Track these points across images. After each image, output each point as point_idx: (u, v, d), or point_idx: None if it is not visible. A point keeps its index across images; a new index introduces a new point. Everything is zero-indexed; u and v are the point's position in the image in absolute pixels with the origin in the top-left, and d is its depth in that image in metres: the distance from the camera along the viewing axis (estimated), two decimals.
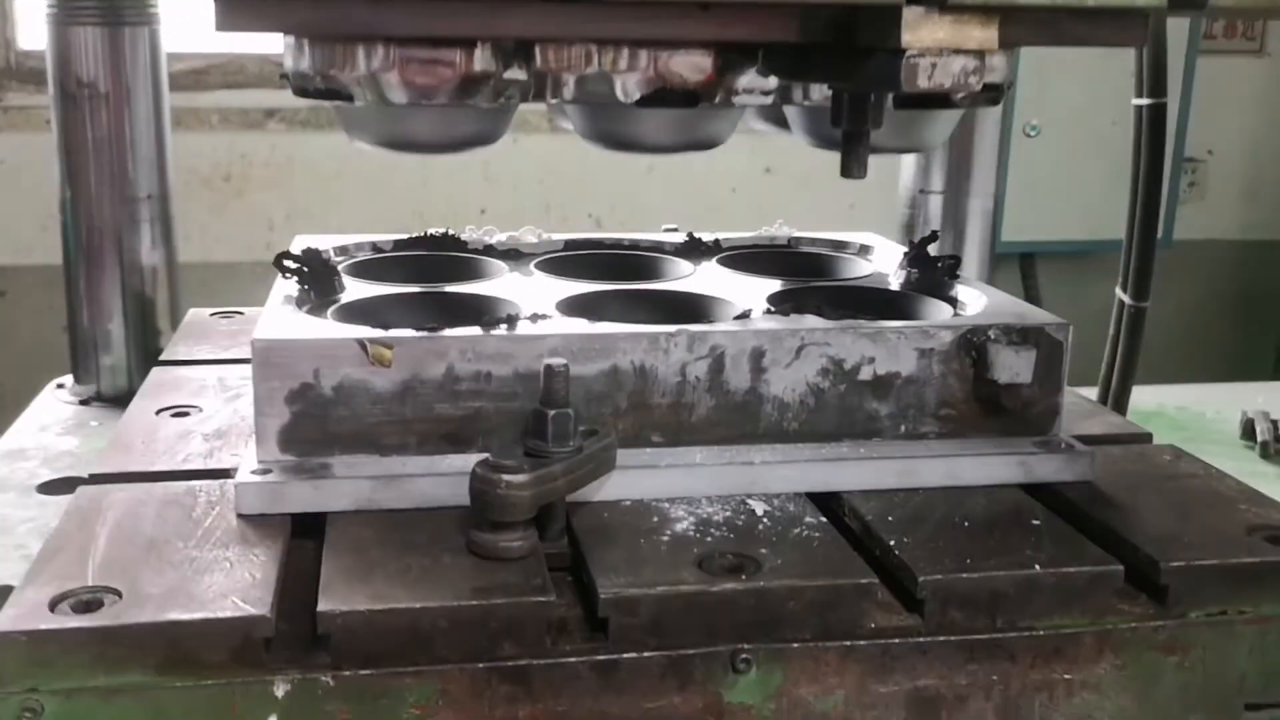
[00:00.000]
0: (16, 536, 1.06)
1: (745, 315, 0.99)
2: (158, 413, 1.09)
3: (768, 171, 3.06)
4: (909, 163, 1.54)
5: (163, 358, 1.26)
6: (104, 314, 1.38)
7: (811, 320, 0.98)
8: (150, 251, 1.39)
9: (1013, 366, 0.95)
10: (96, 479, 0.95)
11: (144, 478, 0.95)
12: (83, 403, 1.40)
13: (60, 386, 1.44)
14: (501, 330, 0.94)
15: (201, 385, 1.16)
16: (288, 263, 1.05)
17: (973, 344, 0.97)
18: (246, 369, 1.19)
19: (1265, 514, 0.93)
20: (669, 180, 2.96)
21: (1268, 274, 3.45)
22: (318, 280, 1.06)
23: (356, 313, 1.04)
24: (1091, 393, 1.81)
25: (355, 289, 1.09)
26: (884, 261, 1.29)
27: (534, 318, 0.97)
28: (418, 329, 0.92)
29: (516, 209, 2.85)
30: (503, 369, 0.92)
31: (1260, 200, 3.39)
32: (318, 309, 1.04)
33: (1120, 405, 1.74)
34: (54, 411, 1.37)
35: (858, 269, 1.28)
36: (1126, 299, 1.66)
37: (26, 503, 1.13)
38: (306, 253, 1.08)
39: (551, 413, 0.85)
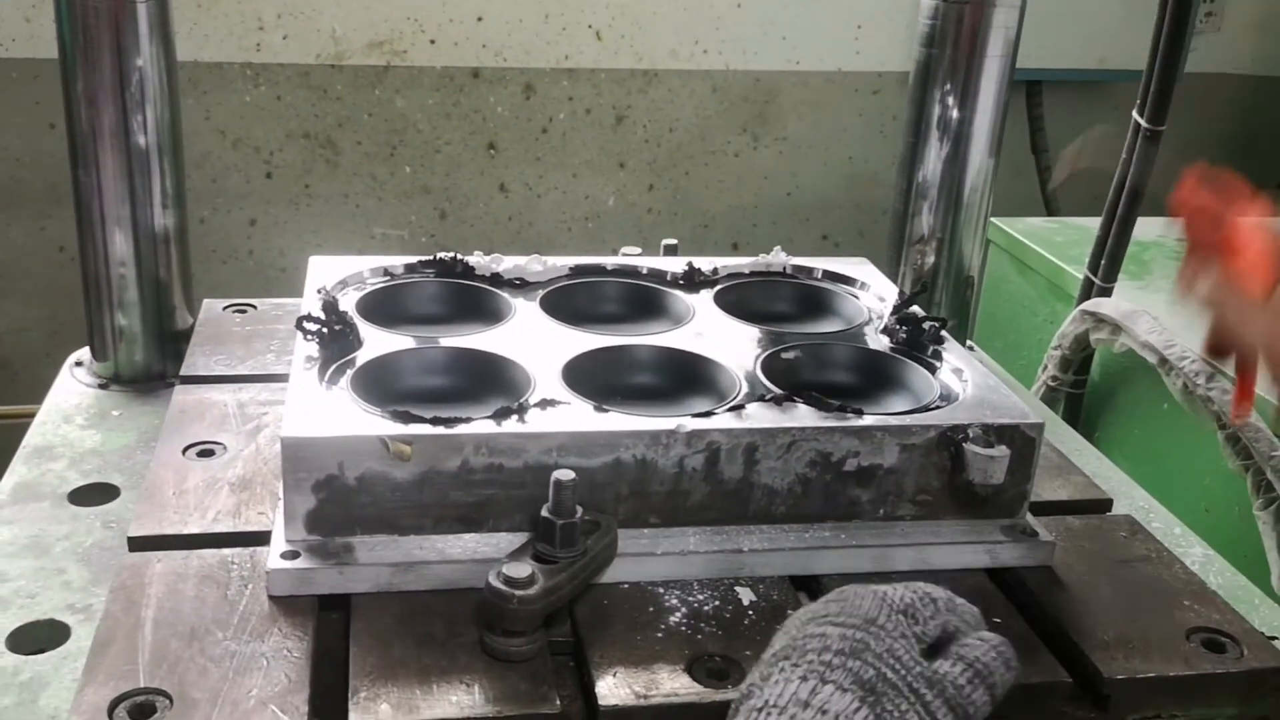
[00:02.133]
0: (55, 558, 1.13)
1: (740, 407, 1.06)
2: (184, 451, 1.16)
3: None
4: None
5: (183, 372, 1.32)
6: (100, 115, 1.37)
7: (802, 416, 1.05)
8: (147, 39, 1.38)
9: (986, 469, 1.03)
10: (135, 544, 1.03)
11: (179, 542, 1.03)
12: (101, 386, 1.45)
13: (79, 365, 1.50)
14: (513, 422, 1.00)
15: (223, 413, 1.23)
16: (308, 325, 1.10)
17: (951, 440, 1.05)
18: (261, 390, 1.28)
19: (1205, 613, 1.02)
20: None
21: (1274, 112, 3.38)
22: (337, 341, 1.12)
23: (375, 373, 1.10)
24: (1095, 222, 1.86)
25: (372, 343, 1.15)
26: (876, 296, 1.35)
27: (543, 404, 1.03)
28: (434, 421, 0.99)
29: (514, 16, 2.81)
30: (514, 461, 0.99)
31: (1275, 32, 3.29)
32: (339, 370, 1.10)
33: (1126, 228, 1.78)
34: (75, 398, 1.43)
35: (851, 309, 1.33)
36: (1143, 122, 1.68)
37: (60, 515, 1.20)
38: (325, 307, 1.13)
39: (560, 523, 0.93)
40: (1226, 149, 3.38)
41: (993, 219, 2.09)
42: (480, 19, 2.80)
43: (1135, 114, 1.68)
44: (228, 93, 2.74)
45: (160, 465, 1.14)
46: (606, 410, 1.04)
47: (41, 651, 1.00)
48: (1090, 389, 2.04)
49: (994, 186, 1.60)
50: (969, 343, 1.67)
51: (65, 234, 2.73)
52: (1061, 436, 1.47)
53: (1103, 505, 1.21)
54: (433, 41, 2.80)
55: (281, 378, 1.30)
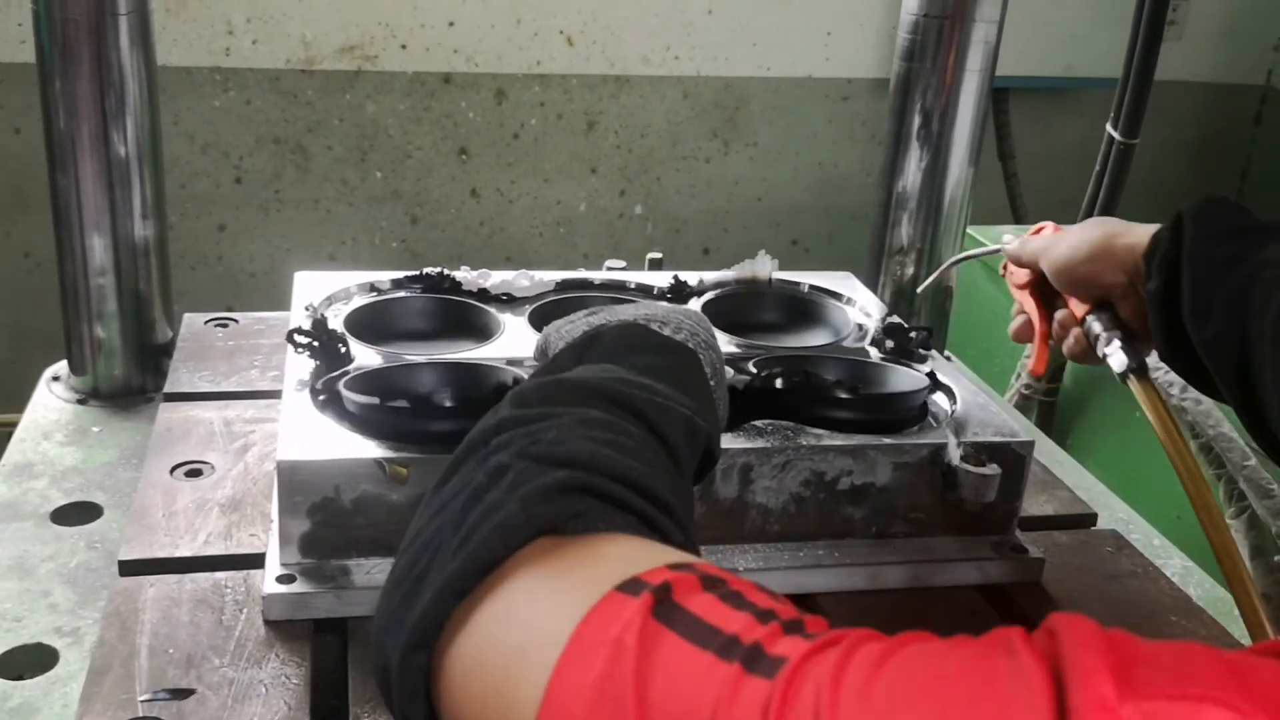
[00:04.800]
0: (39, 580, 1.12)
1: (735, 426, 1.06)
2: (172, 471, 1.15)
3: None
4: None
5: (167, 389, 1.31)
6: (79, 123, 1.35)
7: (797, 435, 1.05)
8: (128, 50, 1.36)
9: (978, 488, 1.04)
10: (126, 568, 1.02)
11: (171, 565, 1.02)
12: (80, 401, 1.43)
13: (56, 379, 1.48)
14: None
15: (209, 431, 1.22)
16: (299, 338, 1.10)
17: (943, 459, 1.06)
18: (247, 407, 1.27)
19: (1192, 628, 1.04)
20: None
21: (1233, 119, 3.42)
22: (328, 353, 1.11)
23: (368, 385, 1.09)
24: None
25: (362, 360, 1.14)
26: (860, 309, 1.36)
27: None
28: (430, 435, 0.99)
29: (486, 22, 2.80)
30: None
31: (1235, 39, 3.31)
32: (331, 382, 1.09)
33: None
34: (53, 414, 1.41)
35: (839, 320, 1.34)
36: (1116, 135, 1.68)
37: (43, 535, 1.18)
38: (315, 325, 1.12)
39: None
40: (1187, 157, 3.43)
41: None
42: (452, 24, 2.79)
43: (1109, 128, 1.70)
44: (196, 97, 2.71)
45: (148, 486, 1.12)
46: None
47: (29, 676, 0.99)
48: (1063, 397, 2.07)
49: (972, 197, 1.61)
50: (946, 353, 1.68)
51: (31, 239, 2.70)
52: (1040, 448, 1.48)
53: (1087, 520, 1.22)
54: (404, 46, 2.78)
55: (267, 394, 1.29)
